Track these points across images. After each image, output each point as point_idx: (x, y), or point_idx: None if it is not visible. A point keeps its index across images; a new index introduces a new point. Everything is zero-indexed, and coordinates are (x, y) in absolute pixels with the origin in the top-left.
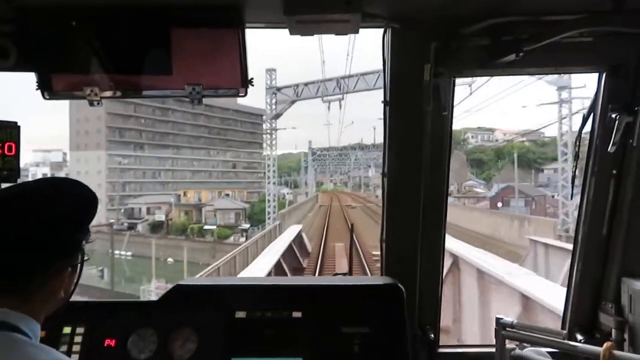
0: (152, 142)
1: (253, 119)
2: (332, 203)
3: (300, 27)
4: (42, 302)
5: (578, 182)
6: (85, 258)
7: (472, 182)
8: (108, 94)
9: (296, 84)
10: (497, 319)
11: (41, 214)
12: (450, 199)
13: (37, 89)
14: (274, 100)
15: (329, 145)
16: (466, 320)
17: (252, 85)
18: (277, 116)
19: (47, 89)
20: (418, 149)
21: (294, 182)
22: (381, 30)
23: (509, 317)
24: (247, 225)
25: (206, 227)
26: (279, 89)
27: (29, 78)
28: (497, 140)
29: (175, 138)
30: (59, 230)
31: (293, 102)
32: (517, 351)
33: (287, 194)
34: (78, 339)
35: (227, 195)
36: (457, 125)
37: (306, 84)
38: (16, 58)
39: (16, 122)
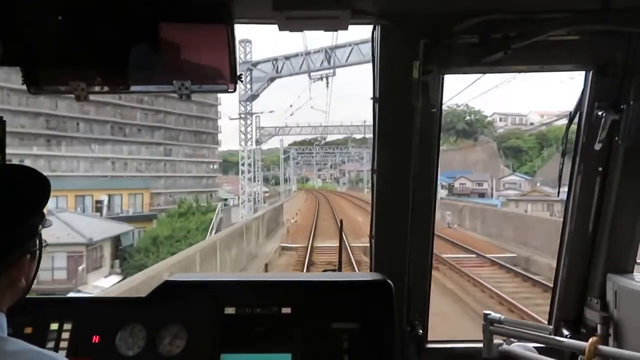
0: (9, 108)
1: None
2: (315, 229)
3: (289, 23)
4: (3, 292)
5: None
6: (44, 244)
7: (515, 177)
8: (95, 89)
9: (275, 57)
10: (485, 315)
11: None
12: (494, 201)
13: (22, 84)
14: (248, 79)
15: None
16: None
17: (241, 81)
18: (254, 97)
19: (33, 84)
20: (407, 145)
21: (275, 177)
22: (370, 27)
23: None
24: (103, 285)
25: None
26: (255, 65)
27: None
28: (532, 124)
29: (59, 104)
30: (13, 216)
31: (272, 79)
32: (505, 346)
33: (264, 192)
34: (65, 335)
35: (99, 204)
36: (480, 105)
37: (287, 58)
38: (1, 53)
39: (1, 117)
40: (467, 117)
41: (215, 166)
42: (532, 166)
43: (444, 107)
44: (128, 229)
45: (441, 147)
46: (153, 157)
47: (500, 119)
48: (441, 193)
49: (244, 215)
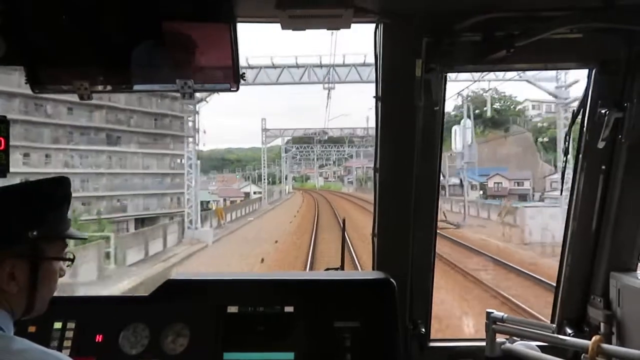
0: None
1: None
2: None
3: (292, 22)
4: None
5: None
6: (69, 256)
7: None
8: (98, 88)
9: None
10: (488, 313)
11: None
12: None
13: (25, 83)
14: None
15: None
16: None
17: (244, 80)
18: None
19: (36, 83)
20: (410, 144)
21: (271, 176)
22: (373, 26)
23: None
24: None
25: None
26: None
27: None
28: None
29: None
30: None
31: None
32: (508, 345)
33: (254, 193)
34: (69, 334)
35: None
36: (510, 89)
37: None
38: (4, 52)
39: (5, 117)
40: (496, 104)
41: (182, 160)
42: None
43: (467, 92)
44: None
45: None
46: (91, 146)
47: (533, 107)
48: (471, 195)
49: None
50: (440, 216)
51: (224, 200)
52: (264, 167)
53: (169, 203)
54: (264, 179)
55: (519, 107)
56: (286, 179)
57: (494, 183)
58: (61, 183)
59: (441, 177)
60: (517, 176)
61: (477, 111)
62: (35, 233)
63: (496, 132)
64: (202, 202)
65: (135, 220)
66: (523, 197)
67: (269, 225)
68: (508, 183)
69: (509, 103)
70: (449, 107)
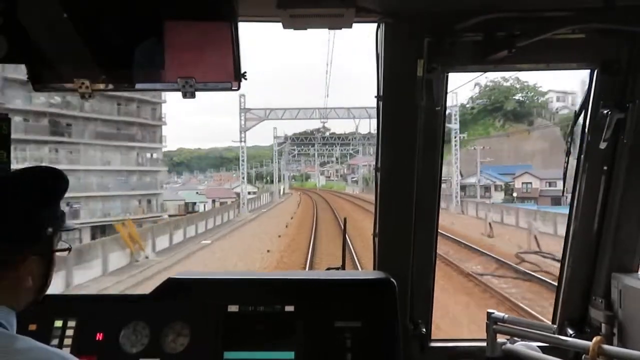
0: None
1: None
2: None
3: (294, 21)
4: (10, 291)
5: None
6: (65, 246)
7: None
8: (99, 86)
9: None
10: (489, 314)
11: None
12: None
13: (27, 81)
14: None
15: None
16: None
17: (245, 79)
18: None
19: (37, 81)
20: (411, 143)
21: (270, 175)
22: (374, 25)
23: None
24: None
25: None
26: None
27: None
28: None
29: None
30: (17, 218)
31: None
32: (508, 345)
33: (250, 193)
34: (69, 332)
35: None
36: (533, 79)
37: None
38: (6, 50)
39: (7, 114)
40: (518, 95)
41: (155, 154)
42: None
43: (487, 82)
44: None
45: (485, 133)
46: (29, 136)
47: (558, 99)
48: (494, 197)
49: None
50: (531, 244)
51: (213, 201)
52: (242, 162)
53: (136, 207)
54: (243, 177)
55: (542, 99)
56: (282, 178)
57: (523, 183)
58: (61, 176)
59: (460, 177)
60: (548, 175)
61: (497, 104)
62: (50, 230)
63: (518, 126)
64: (187, 204)
65: (92, 228)
66: (556, 200)
67: (231, 257)
68: (539, 183)
69: (532, 94)
70: (464, 99)
